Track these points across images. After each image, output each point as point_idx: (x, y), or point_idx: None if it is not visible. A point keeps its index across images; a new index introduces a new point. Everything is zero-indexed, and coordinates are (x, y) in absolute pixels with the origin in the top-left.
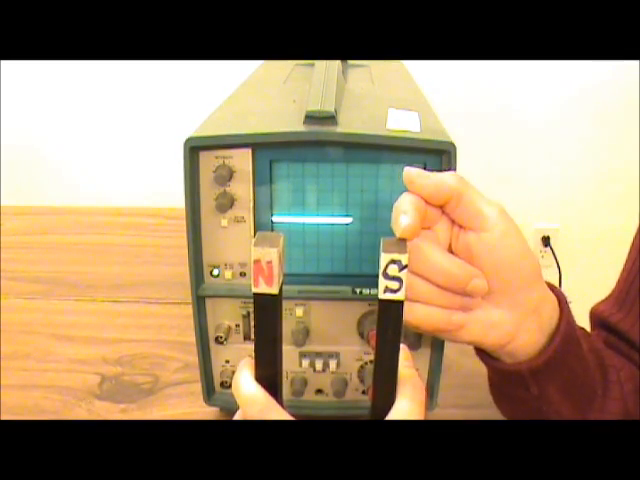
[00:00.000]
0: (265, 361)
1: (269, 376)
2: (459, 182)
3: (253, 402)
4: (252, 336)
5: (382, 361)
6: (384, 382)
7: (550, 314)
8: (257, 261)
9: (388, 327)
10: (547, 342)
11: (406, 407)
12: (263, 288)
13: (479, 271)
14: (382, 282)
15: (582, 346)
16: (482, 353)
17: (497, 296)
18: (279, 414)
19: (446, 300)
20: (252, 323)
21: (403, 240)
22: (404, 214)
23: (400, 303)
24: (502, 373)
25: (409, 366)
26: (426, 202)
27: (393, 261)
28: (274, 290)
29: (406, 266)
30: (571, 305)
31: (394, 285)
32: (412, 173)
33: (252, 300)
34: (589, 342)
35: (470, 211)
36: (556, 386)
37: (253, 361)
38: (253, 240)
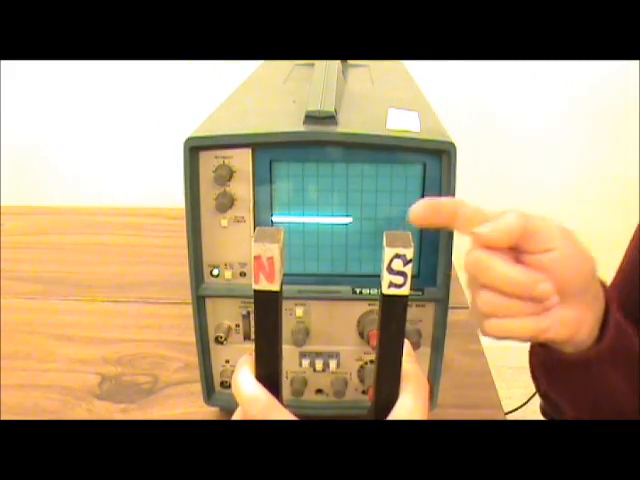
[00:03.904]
0: (266, 359)
1: (270, 375)
2: (522, 219)
3: (255, 402)
4: (252, 336)
5: (385, 358)
6: (387, 379)
7: (601, 305)
8: (257, 257)
9: (392, 323)
10: (601, 327)
11: (409, 404)
12: (264, 285)
13: (543, 276)
14: (386, 277)
15: (624, 320)
16: (541, 346)
17: (564, 298)
18: (281, 414)
19: (529, 310)
20: (252, 323)
21: (407, 234)
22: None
23: (405, 298)
24: (565, 362)
25: (412, 361)
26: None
27: (397, 255)
28: (275, 287)
29: (411, 260)
30: None
31: (398, 280)
32: (482, 231)
33: (252, 300)
34: None
35: (535, 239)
36: (616, 367)
37: (252, 359)
38: (254, 235)
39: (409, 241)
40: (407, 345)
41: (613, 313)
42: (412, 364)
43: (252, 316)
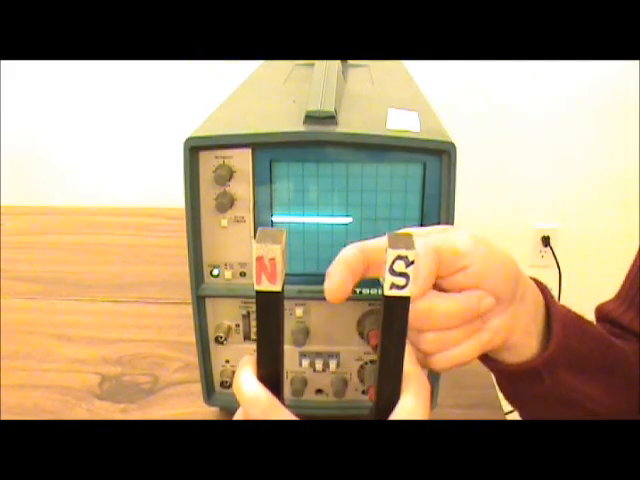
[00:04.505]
0: (267, 360)
1: (271, 375)
2: (431, 251)
3: (256, 402)
4: (252, 336)
5: (386, 359)
6: (388, 380)
7: (533, 298)
8: (259, 258)
9: (394, 324)
10: (543, 328)
11: (411, 405)
12: (266, 285)
13: (480, 290)
14: (388, 278)
15: (583, 321)
16: (487, 360)
17: (496, 306)
18: (282, 414)
19: (470, 330)
20: (252, 323)
21: (409, 235)
22: (328, 277)
23: (407, 299)
24: (514, 374)
25: (413, 362)
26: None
27: (400, 257)
28: (277, 287)
29: (413, 262)
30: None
31: (401, 282)
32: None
33: (252, 300)
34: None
35: (450, 261)
36: (567, 368)
37: (254, 359)
38: (256, 235)
39: (412, 243)
40: (408, 346)
41: (556, 313)
42: (413, 365)
43: (252, 316)
